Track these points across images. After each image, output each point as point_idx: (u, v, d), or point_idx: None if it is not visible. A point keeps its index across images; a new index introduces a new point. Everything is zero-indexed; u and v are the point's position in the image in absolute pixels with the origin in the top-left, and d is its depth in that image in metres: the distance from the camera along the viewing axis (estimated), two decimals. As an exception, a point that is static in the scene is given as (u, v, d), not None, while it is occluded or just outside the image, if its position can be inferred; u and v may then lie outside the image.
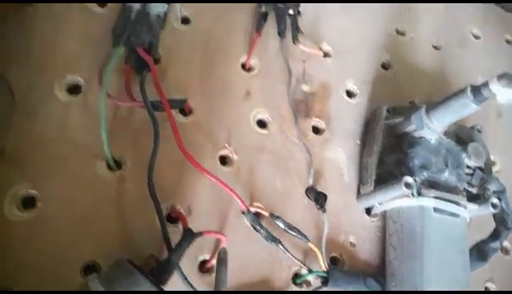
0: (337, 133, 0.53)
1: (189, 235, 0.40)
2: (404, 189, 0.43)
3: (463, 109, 0.43)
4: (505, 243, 0.56)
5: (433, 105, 0.46)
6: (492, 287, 0.53)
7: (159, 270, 0.38)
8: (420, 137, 0.48)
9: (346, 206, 0.50)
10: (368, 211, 0.51)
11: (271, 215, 0.45)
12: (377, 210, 0.50)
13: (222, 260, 0.41)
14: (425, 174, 0.47)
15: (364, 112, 0.55)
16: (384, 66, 0.59)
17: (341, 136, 0.53)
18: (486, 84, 0.40)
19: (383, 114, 0.52)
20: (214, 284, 0.40)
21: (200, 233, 0.41)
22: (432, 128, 0.46)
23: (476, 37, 0.68)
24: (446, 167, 0.47)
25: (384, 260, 0.48)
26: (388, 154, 0.50)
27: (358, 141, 0.53)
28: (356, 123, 0.54)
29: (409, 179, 0.44)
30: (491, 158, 0.54)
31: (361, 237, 0.50)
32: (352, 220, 0.50)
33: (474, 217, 0.48)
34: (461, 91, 0.42)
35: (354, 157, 0.52)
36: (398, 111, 0.52)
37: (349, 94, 0.56)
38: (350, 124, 0.54)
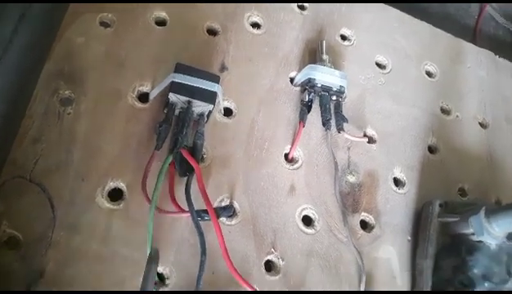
0: (387, 229, 0.50)
1: None
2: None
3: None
4: None
5: (494, 209, 0.43)
6: None
7: None
8: (479, 241, 0.45)
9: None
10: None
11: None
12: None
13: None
14: (486, 285, 0.44)
15: (413, 203, 0.52)
16: (431, 149, 0.57)
17: (391, 232, 0.50)
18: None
19: (435, 211, 0.49)
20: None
21: None
22: (493, 235, 0.43)
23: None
24: (510, 276, 0.44)
25: None
26: (444, 258, 0.47)
27: (409, 237, 0.50)
28: (406, 217, 0.51)
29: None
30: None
31: None
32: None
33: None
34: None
35: (405, 255, 0.49)
36: (452, 206, 0.49)
37: (397, 182, 0.53)
38: (400, 218, 0.51)
